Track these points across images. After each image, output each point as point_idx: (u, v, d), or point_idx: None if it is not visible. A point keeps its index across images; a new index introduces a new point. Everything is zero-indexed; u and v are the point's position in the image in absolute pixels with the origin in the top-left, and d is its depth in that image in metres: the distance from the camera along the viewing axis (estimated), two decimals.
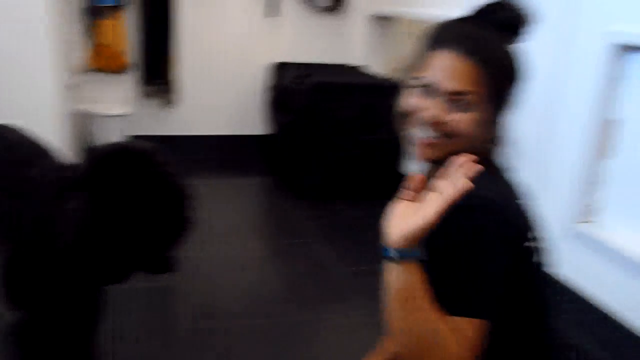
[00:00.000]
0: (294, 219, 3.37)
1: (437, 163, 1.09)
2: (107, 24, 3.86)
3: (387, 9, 4.14)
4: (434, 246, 0.96)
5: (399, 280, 0.94)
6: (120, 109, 3.99)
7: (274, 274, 2.81)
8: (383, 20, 4.33)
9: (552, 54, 2.45)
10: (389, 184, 3.83)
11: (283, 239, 3.18)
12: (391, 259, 0.94)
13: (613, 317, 2.19)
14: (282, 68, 4.17)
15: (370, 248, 2.99)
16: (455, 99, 1.05)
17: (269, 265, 2.89)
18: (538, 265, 1.11)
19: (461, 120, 1.06)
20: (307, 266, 2.84)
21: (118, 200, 1.32)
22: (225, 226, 3.26)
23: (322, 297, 2.57)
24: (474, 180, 0.90)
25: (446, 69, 1.06)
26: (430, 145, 1.09)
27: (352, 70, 4.30)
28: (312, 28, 4.44)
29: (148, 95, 4.17)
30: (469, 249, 0.98)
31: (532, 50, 2.52)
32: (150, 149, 1.41)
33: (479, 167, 0.92)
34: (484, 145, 1.09)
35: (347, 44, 4.54)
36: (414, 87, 1.11)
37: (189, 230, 1.48)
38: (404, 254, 0.93)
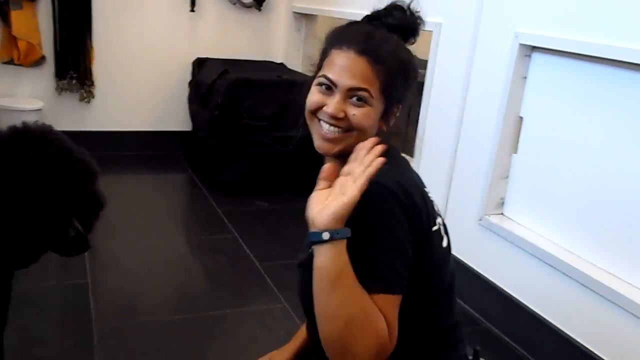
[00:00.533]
0: (214, 215, 3.39)
1: (342, 157, 1.15)
2: (20, 14, 3.73)
3: (308, 7, 4.21)
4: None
5: (331, 260, 1.00)
6: (34, 104, 3.87)
7: (195, 269, 2.82)
8: (304, 18, 4.40)
9: (464, 54, 2.58)
10: (308, 180, 3.93)
11: (204, 234, 3.20)
12: (322, 241, 0.99)
13: (514, 299, 2.35)
14: (203, 64, 4.16)
15: (288, 242, 3.07)
16: (352, 94, 1.14)
17: (190, 260, 2.91)
18: (443, 249, 1.20)
19: (358, 114, 1.14)
20: (228, 260, 2.87)
21: (18, 180, 1.32)
22: (145, 222, 3.24)
23: (243, 290, 2.61)
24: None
25: (344, 66, 1.14)
26: (333, 140, 1.17)
27: (273, 66, 4.34)
28: (234, 24, 4.44)
29: (63, 89, 4.06)
30: (377, 230, 1.05)
31: (446, 49, 2.68)
32: (48, 127, 1.42)
33: (384, 145, 1.02)
34: (383, 138, 1.17)
35: (269, 41, 4.57)
36: (317, 84, 1.20)
37: (97, 205, 1.48)
38: (335, 234, 0.99)
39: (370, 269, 1.04)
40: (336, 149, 1.18)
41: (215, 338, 2.26)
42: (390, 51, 1.17)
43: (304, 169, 3.82)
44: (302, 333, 1.47)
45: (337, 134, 1.16)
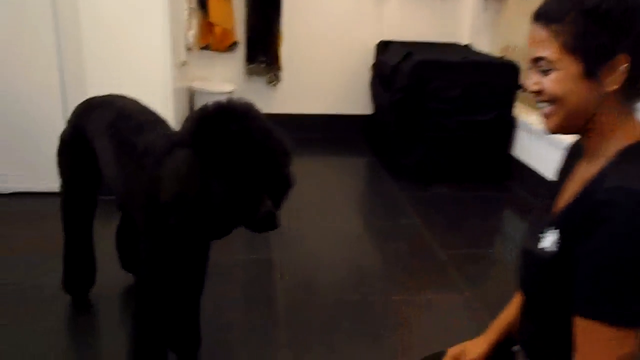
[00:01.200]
0: (396, 199, 3.33)
1: (567, 133, 1.09)
2: (216, 2, 3.95)
3: None
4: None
5: None
6: (226, 87, 4.09)
7: (372, 252, 2.79)
8: None
9: None
10: (494, 167, 3.75)
11: (385, 218, 3.15)
12: None
13: None
14: (387, 47, 4.11)
15: (471, 232, 2.92)
16: (537, 66, 1.06)
17: (368, 243, 2.87)
18: None
19: (546, 83, 1.05)
20: (406, 246, 2.80)
21: (221, 155, 1.36)
22: (326, 203, 3.27)
23: (424, 277, 2.53)
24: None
25: (530, 40, 1.08)
26: (545, 115, 1.09)
27: (458, 48, 4.16)
28: (418, 6, 4.34)
29: (252, 73, 4.25)
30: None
31: None
32: (250, 105, 1.44)
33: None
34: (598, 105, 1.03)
35: (454, 22, 4.41)
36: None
37: (287, 185, 1.50)
38: None
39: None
40: (552, 124, 1.08)
41: (394, 323, 2.20)
42: (564, 3, 1.02)
43: (491, 156, 3.68)
44: (498, 325, 1.36)
45: (545, 108, 1.08)
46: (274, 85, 4.31)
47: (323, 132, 4.44)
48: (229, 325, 2.12)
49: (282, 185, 1.50)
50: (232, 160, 1.36)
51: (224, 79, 4.28)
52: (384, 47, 4.14)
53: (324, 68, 4.39)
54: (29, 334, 1.99)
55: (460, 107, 3.53)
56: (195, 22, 3.95)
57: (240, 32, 4.17)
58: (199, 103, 4.06)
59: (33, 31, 2.86)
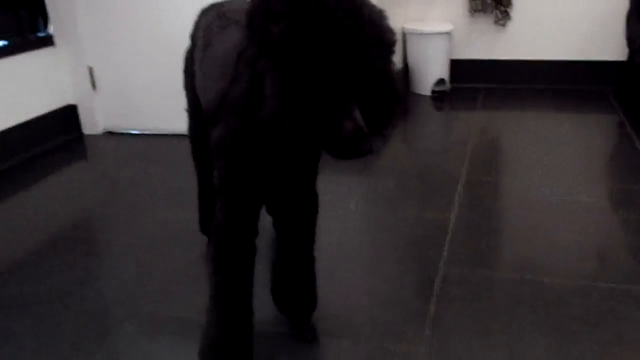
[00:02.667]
0: None
1: None
2: None
3: None
4: None
5: None
6: (443, 27, 3.53)
7: (616, 227, 2.08)
8: None
9: None
10: None
11: (627, 184, 2.39)
12: None
13: None
14: None
15: None
16: None
17: (611, 216, 2.16)
18: None
19: None
20: None
21: (283, 38, 0.91)
22: (554, 164, 2.60)
23: None
24: None
25: None
26: None
27: None
28: None
29: (476, 10, 3.61)
30: None
31: None
32: None
33: None
34: None
35: None
36: None
37: (391, 94, 1.00)
38: None
39: None
40: None
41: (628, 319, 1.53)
42: None
43: None
44: None
45: None
46: (503, 25, 3.63)
47: (558, 82, 3.70)
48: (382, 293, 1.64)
49: (381, 93, 0.99)
50: (300, 47, 0.90)
51: (442, 18, 3.71)
52: None
53: (561, 8, 3.58)
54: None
55: None
56: None
57: None
58: (413, 46, 3.58)
59: None
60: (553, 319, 1.54)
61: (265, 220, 1.40)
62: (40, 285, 1.81)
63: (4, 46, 2.88)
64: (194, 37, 1.60)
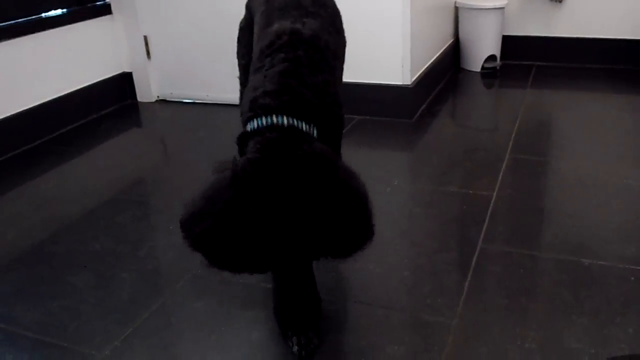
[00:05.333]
0: None
1: None
2: None
3: None
4: None
5: None
6: (497, 2, 3.46)
7: None
8: None
9: None
10: None
11: None
12: None
13: None
14: None
15: None
16: None
17: None
18: None
19: None
20: None
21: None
22: (611, 149, 2.54)
23: None
24: None
25: None
26: None
27: None
28: None
29: None
30: None
31: None
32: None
33: None
34: None
35: None
36: None
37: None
38: None
39: None
40: None
41: None
42: None
43: None
44: None
45: None
46: (559, 1, 3.54)
47: (616, 62, 3.58)
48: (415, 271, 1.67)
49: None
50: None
51: None
52: None
53: None
54: None
55: None
56: None
57: None
58: (464, 21, 3.53)
59: None
60: (590, 301, 1.55)
61: None
62: (96, 244, 1.92)
63: (63, 14, 2.98)
64: (249, 7, 1.61)
